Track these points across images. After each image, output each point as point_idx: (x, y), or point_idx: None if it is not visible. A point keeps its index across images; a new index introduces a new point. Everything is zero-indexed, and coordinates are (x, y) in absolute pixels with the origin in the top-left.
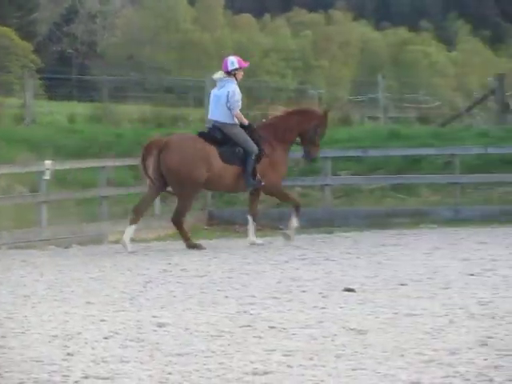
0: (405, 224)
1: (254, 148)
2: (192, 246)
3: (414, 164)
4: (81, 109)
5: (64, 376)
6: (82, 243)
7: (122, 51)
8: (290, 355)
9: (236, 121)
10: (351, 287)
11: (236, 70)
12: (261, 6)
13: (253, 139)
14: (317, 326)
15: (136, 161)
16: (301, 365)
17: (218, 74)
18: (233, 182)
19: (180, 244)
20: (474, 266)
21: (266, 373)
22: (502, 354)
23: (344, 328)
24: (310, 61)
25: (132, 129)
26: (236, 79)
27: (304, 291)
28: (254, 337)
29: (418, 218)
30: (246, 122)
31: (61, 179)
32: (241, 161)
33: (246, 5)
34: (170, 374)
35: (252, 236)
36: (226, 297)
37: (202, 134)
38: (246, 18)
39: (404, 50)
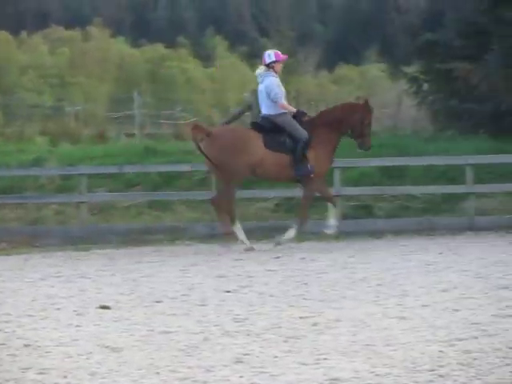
0: (161, 241)
1: (304, 135)
2: (229, 233)
3: (170, 180)
4: None
5: None
6: None
7: None
8: (44, 373)
9: (284, 110)
10: (106, 304)
11: (273, 62)
12: (17, 23)
13: (303, 127)
14: (71, 344)
15: None
16: (55, 383)
17: (259, 69)
18: (280, 170)
19: None
20: (230, 282)
21: None
22: (257, 371)
23: (99, 346)
24: (67, 77)
25: None
26: (275, 71)
27: (59, 309)
28: (9, 355)
29: (174, 235)
30: (293, 109)
31: None
32: (288, 149)
33: (1, 22)
34: None
35: (288, 236)
36: None
37: (252, 124)
38: (3, 35)
39: (161, 66)
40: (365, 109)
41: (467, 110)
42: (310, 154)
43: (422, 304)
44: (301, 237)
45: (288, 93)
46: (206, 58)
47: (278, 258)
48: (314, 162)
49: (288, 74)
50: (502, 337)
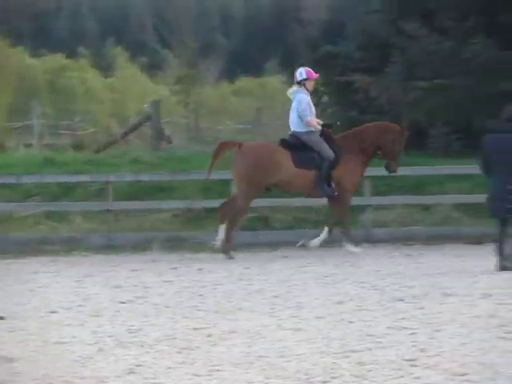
0: (58, 251)
1: (330, 153)
2: (225, 252)
3: (68, 191)
4: None
5: None
6: None
7: None
8: None
9: (311, 128)
10: (1, 315)
11: (305, 80)
12: None
13: (330, 147)
14: None
15: None
16: None
17: (291, 89)
18: (308, 186)
19: None
20: (125, 293)
21: None
22: (150, 382)
23: None
24: None
25: None
26: (306, 89)
27: None
28: None
29: (70, 246)
30: (318, 127)
31: None
32: (315, 166)
33: None
34: None
35: (317, 241)
36: None
37: (282, 141)
38: None
39: (61, 76)
40: (400, 133)
41: (367, 121)
42: (340, 170)
43: (316, 316)
44: (198, 247)
45: (187, 104)
46: (106, 68)
47: (175, 268)
48: (344, 177)
49: (189, 85)
50: (397, 349)
